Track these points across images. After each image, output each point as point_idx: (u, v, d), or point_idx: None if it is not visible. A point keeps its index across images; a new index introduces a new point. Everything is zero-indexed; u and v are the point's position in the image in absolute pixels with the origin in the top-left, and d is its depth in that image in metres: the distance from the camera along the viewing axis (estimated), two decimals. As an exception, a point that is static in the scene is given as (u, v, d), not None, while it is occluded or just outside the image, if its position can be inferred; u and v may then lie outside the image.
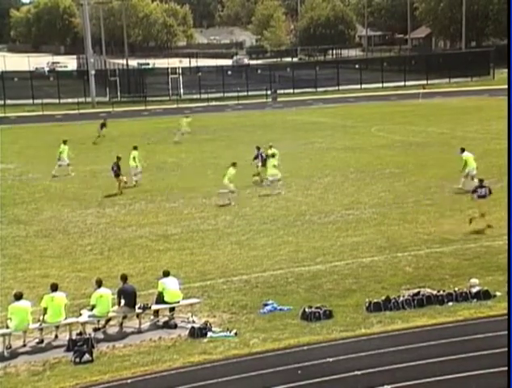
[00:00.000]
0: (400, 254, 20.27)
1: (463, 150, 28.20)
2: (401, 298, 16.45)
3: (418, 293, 16.65)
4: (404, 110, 57.66)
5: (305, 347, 14.42)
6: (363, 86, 79.40)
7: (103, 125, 45.93)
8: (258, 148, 31.98)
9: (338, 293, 17.42)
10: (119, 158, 30.52)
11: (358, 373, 13.21)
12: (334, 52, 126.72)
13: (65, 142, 35.73)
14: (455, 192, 27.18)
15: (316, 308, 16.07)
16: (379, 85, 79.35)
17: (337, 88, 79.40)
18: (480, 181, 23.02)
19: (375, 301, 16.34)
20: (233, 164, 28.09)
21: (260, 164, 31.47)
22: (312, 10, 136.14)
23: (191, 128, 45.34)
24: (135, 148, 32.55)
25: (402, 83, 79.80)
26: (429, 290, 16.83)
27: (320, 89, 78.69)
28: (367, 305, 16.29)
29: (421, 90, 69.37)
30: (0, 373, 13.73)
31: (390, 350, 14.12)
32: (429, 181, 29.38)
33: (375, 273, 18.75)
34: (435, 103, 62.30)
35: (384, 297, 16.46)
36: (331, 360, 13.78)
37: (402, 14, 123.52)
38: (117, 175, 29.89)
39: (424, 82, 78.80)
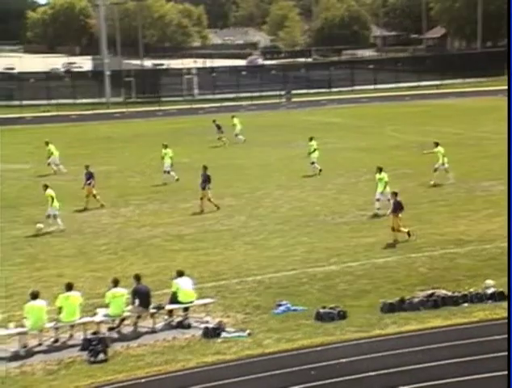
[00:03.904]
0: (414, 254, 20.19)
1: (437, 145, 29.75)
2: (416, 299, 16.39)
3: (433, 294, 16.57)
4: (418, 110, 57.45)
5: (319, 348, 14.39)
6: (378, 86, 79.20)
7: None
8: None
9: (352, 294, 17.38)
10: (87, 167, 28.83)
11: (373, 374, 13.17)
12: (349, 52, 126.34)
13: (47, 143, 35.86)
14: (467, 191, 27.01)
15: (330, 308, 16.04)
16: (394, 85, 79.09)
17: (351, 88, 79.25)
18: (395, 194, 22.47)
19: (390, 301, 16.29)
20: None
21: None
22: (327, 11, 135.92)
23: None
24: (165, 146, 32.54)
25: (417, 83, 79.51)
26: (444, 291, 16.75)
27: (334, 89, 78.57)
28: (381, 305, 16.23)
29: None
30: (16, 371, 13.82)
31: (405, 351, 14.06)
32: (443, 182, 29.23)
33: (389, 274, 18.69)
34: (450, 104, 62.02)
35: (398, 298, 16.40)
36: (345, 360, 13.75)
37: (417, 13, 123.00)
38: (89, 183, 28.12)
39: (438, 82, 78.48)
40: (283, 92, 73.58)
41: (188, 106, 68.58)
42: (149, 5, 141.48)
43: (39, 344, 14.97)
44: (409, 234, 21.57)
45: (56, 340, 15.18)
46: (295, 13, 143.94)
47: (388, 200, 24.20)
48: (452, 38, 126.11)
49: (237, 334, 15.22)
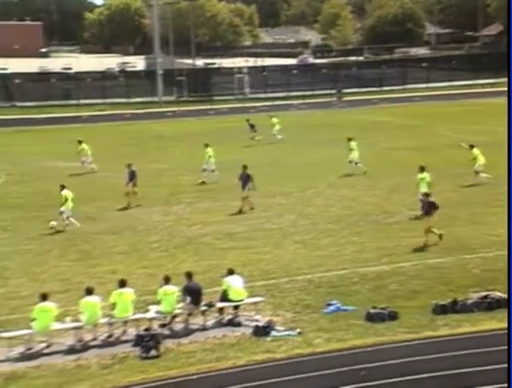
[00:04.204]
0: (468, 255, 19.88)
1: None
2: (469, 301, 16.14)
3: (487, 296, 16.30)
4: (473, 109, 56.44)
5: (369, 349, 14.32)
6: (431, 84, 78.07)
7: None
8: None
9: (404, 295, 17.22)
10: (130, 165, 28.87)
11: (424, 376, 13.03)
12: (401, 50, 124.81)
13: (79, 142, 36.29)
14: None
15: (381, 309, 15.93)
16: (448, 84, 77.85)
17: (403, 87, 78.33)
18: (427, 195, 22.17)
19: (442, 303, 16.09)
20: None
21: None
22: (380, 8, 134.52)
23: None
24: (206, 145, 32.80)
25: (471, 82, 78.08)
26: (498, 293, 16.45)
27: (385, 88, 77.79)
28: (433, 307, 16.05)
29: None
30: (72, 364, 14.16)
31: (457, 354, 13.87)
32: (497, 181, 28.67)
33: (441, 275, 18.45)
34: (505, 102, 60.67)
35: (450, 300, 16.19)
36: (396, 362, 13.64)
37: (473, 10, 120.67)
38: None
39: (493, 80, 76.90)
40: (333, 91, 73.21)
41: (239, 105, 68.85)
42: (202, 4, 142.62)
43: (94, 339, 15.30)
44: (440, 236, 21.19)
45: (110, 335, 15.48)
46: (347, 11, 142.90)
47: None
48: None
49: (286, 333, 15.25)
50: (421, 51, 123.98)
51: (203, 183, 31.64)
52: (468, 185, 28.92)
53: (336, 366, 13.62)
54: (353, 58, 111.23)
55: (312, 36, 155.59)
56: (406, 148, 38.85)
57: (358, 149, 33.24)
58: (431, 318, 15.60)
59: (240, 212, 26.14)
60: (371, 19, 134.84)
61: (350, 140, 33.68)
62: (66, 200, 24.84)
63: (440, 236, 21.20)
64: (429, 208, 21.34)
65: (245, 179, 26.49)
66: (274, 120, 44.74)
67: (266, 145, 42.57)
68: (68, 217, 24.75)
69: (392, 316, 15.74)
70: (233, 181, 31.84)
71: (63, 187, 25.51)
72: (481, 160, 29.63)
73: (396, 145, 40.10)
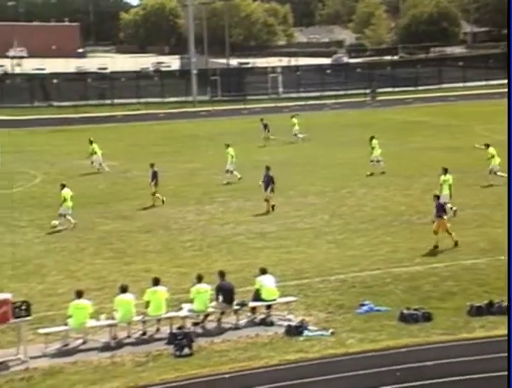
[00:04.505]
0: (503, 257, 19.58)
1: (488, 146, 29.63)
2: (505, 303, 15.91)
3: (523, 298, 16.06)
4: (510, 108, 55.54)
5: (403, 350, 14.21)
6: (467, 84, 77.15)
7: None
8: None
9: (438, 296, 17.06)
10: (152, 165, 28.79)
11: (460, 378, 12.89)
12: (437, 49, 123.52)
13: (90, 142, 36.42)
14: None
15: (415, 310, 15.81)
16: (484, 83, 76.84)
17: (438, 86, 77.55)
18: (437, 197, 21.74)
19: (478, 304, 15.90)
20: None
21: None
22: (415, 7, 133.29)
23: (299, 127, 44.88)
24: (227, 146, 32.86)
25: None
26: (535, 295, 16.20)
27: (420, 87, 77.11)
28: (468, 308, 15.87)
29: None
30: (107, 361, 14.31)
31: (493, 356, 13.68)
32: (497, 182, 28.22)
33: (476, 276, 18.23)
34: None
35: (486, 301, 15.99)
36: (430, 363, 13.52)
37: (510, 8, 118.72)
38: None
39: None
40: (368, 90, 72.81)
41: (273, 104, 68.89)
42: (236, 4, 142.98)
43: (128, 336, 15.43)
44: (456, 243, 20.86)
45: (144, 333, 15.61)
46: (381, 10, 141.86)
47: (445, 203, 23.81)
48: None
49: (319, 332, 15.22)
50: (457, 50, 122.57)
51: (228, 183, 31.67)
52: (505, 185, 28.47)
53: (369, 367, 13.55)
54: (387, 57, 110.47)
55: (347, 36, 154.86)
56: (441, 148, 38.45)
57: (379, 147, 33.13)
58: (466, 320, 15.43)
59: (267, 212, 26.09)
60: (406, 18, 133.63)
61: (372, 138, 33.58)
62: (65, 199, 25.08)
63: (456, 243, 20.83)
64: (439, 210, 21.04)
65: (268, 180, 26.39)
66: (294, 120, 44.85)
67: (299, 145, 42.50)
68: (65, 215, 24.95)
69: (426, 317, 15.61)
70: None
71: (63, 186, 25.75)
72: (497, 159, 29.41)
73: (430, 145, 39.72)
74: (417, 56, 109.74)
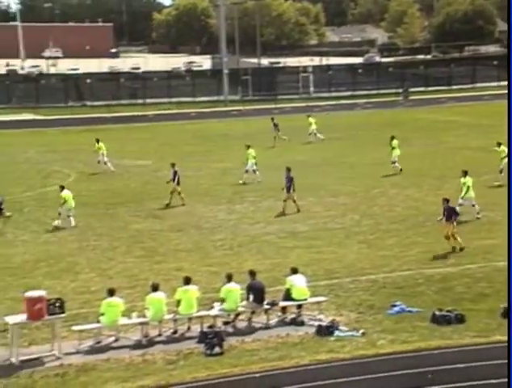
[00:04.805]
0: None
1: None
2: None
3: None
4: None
5: (435, 352, 14.10)
6: (501, 83, 76.02)
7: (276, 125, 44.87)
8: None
9: (470, 297, 16.88)
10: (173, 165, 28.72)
11: (493, 381, 12.73)
12: (471, 48, 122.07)
13: (97, 141, 36.56)
14: None
15: (447, 311, 15.67)
16: (519, 82, 75.66)
17: (472, 86, 76.67)
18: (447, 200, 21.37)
19: (511, 307, 15.68)
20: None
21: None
22: (449, 5, 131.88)
23: (318, 127, 44.88)
24: (249, 147, 32.89)
25: (544, 80, 75.69)
26: None
27: (454, 87, 76.30)
28: (501, 310, 15.66)
29: None
30: (139, 359, 14.44)
31: (526, 359, 13.50)
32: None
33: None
34: None
35: (520, 304, 15.77)
36: (463, 366, 13.39)
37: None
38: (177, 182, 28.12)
39: None
40: (400, 90, 72.29)
41: (304, 104, 68.75)
42: (268, 4, 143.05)
43: (159, 335, 15.54)
44: (461, 249, 20.56)
45: (175, 332, 15.71)
46: (414, 9, 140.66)
47: (473, 205, 23.78)
48: None
49: (350, 333, 15.17)
50: (492, 49, 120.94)
51: (258, 182, 31.70)
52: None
53: (400, 368, 13.47)
54: (420, 56, 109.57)
55: (379, 35, 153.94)
56: (475, 148, 38.04)
57: (399, 147, 32.92)
58: (500, 322, 15.24)
59: (298, 211, 26.02)
60: (440, 17, 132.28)
61: (392, 138, 33.35)
62: (66, 201, 25.32)
63: (458, 247, 20.57)
64: (449, 213, 20.75)
65: (289, 181, 26.30)
66: (311, 119, 44.83)
67: (329, 144, 42.39)
68: (69, 216, 25.26)
69: (459, 319, 15.45)
70: (296, 180, 31.81)
71: (62, 187, 25.96)
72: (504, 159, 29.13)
73: (464, 145, 39.31)
74: (451, 55, 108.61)
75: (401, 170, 32.56)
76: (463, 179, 24.22)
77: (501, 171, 29.20)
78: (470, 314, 15.71)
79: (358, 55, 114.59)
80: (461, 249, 20.59)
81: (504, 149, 29.46)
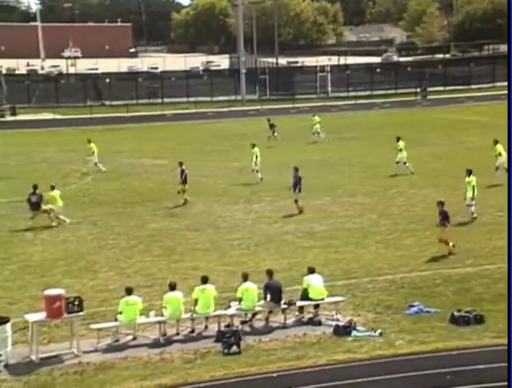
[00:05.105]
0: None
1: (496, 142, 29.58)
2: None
3: None
4: None
5: (454, 352, 14.02)
6: (522, 82, 75.45)
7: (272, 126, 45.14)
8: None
9: (490, 298, 16.76)
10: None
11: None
12: (491, 47, 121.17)
13: (89, 141, 36.59)
14: None
15: (466, 312, 15.57)
16: (540, 81, 75.00)
17: (492, 85, 76.07)
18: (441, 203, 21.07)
19: (530, 308, 15.56)
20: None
21: None
22: (469, 4, 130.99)
23: (322, 126, 44.73)
24: (254, 145, 32.89)
25: None
26: None
27: (473, 86, 75.77)
28: (520, 311, 15.55)
29: None
30: (157, 357, 14.50)
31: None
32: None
33: (530, 279, 17.84)
34: None
35: (539, 305, 15.64)
36: (483, 367, 13.30)
37: None
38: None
39: None
40: (418, 89, 71.93)
41: (321, 103, 68.63)
42: (286, 3, 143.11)
43: (177, 333, 15.59)
44: (453, 246, 20.37)
45: (193, 331, 15.75)
46: (433, 8, 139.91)
47: (475, 205, 23.58)
48: None
49: (367, 333, 15.13)
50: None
51: (243, 183, 31.73)
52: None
53: (419, 369, 13.42)
54: (439, 56, 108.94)
55: (397, 34, 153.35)
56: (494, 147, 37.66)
57: (405, 149, 32.78)
58: (519, 323, 15.12)
59: (300, 212, 25.90)
60: (459, 16, 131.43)
61: (398, 139, 33.14)
62: (55, 200, 25.46)
63: (453, 246, 20.40)
64: (443, 217, 20.54)
65: (297, 181, 26.23)
66: (316, 118, 44.74)
67: (346, 144, 42.30)
68: (59, 215, 25.44)
69: (478, 320, 15.36)
70: (313, 180, 31.84)
71: (53, 187, 26.05)
72: (504, 157, 29.14)
73: (483, 145, 38.95)
74: (470, 54, 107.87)
75: (408, 170, 32.45)
76: (467, 179, 24.04)
77: (496, 169, 29.27)
78: (489, 314, 15.60)
79: (377, 54, 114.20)
80: (453, 246, 20.40)
81: (499, 147, 29.59)
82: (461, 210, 25.16)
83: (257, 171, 32.19)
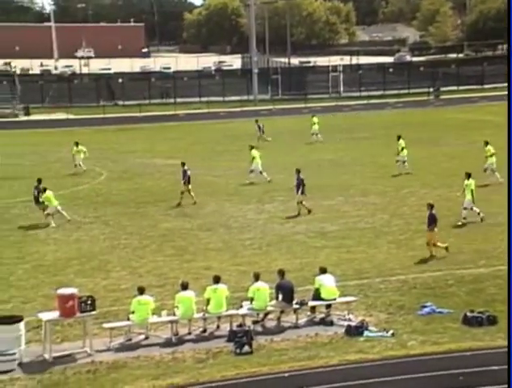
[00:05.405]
0: None
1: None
2: None
3: None
4: None
5: (467, 353, 13.97)
6: (536, 81, 75.02)
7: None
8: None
9: (503, 299, 16.64)
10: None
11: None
12: (505, 46, 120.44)
13: (76, 144, 36.57)
14: None
15: (479, 313, 15.52)
16: (553, 80, 74.53)
17: (506, 84, 75.56)
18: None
19: (544, 309, 15.47)
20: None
21: None
22: (482, 3, 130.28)
23: (322, 128, 44.67)
24: (252, 147, 32.94)
25: None
26: None
27: (487, 86, 75.37)
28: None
29: None
30: (169, 357, 14.54)
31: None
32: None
33: (543, 280, 17.73)
34: None
35: (553, 306, 15.54)
36: (496, 368, 13.23)
37: None
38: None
39: None
40: (431, 89, 71.65)
41: (334, 103, 68.53)
42: (298, 3, 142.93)
43: (189, 333, 15.62)
44: (446, 249, 20.29)
45: (205, 330, 15.77)
46: (447, 7, 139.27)
47: (470, 208, 23.62)
48: None
49: (380, 333, 15.10)
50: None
51: (251, 183, 31.71)
52: None
53: (431, 370, 13.37)
54: (452, 55, 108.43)
55: (410, 33, 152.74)
56: (507, 147, 37.48)
57: (407, 147, 32.74)
58: (533, 324, 15.04)
59: (298, 214, 25.81)
60: (473, 15, 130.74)
61: (399, 138, 33.19)
62: (50, 200, 25.52)
63: (446, 248, 20.36)
64: (431, 220, 20.41)
65: (299, 183, 26.16)
66: (315, 119, 44.77)
67: (359, 144, 42.21)
68: (58, 211, 25.58)
69: (491, 321, 15.29)
70: (325, 180, 31.86)
71: (45, 189, 26.05)
72: (493, 158, 29.47)
73: (496, 145, 38.77)
74: (484, 53, 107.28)
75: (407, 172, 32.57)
76: (466, 181, 23.97)
77: (485, 170, 29.33)
78: (502, 315, 15.50)
79: (389, 54, 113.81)
80: (431, 256, 20.25)
81: (490, 148, 29.73)
82: (470, 211, 25.08)
83: (251, 171, 32.22)
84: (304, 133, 46.50)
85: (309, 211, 25.96)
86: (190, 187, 28.45)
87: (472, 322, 15.26)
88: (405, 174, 32.41)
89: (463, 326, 15.24)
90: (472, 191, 23.75)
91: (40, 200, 26.02)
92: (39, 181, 26.63)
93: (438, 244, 20.42)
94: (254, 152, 32.71)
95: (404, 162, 32.76)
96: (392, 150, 38.88)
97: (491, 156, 29.73)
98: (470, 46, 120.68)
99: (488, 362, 13.50)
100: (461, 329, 15.14)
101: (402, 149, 32.98)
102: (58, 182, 33.95)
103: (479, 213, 23.74)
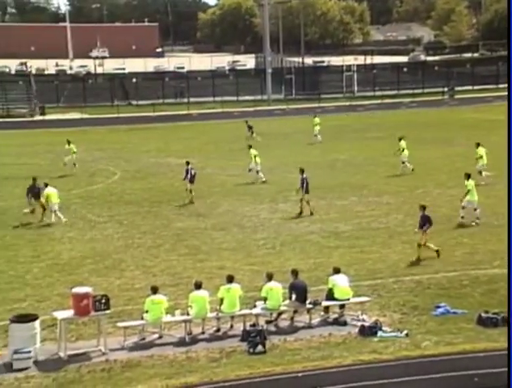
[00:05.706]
0: None
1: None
2: None
3: None
4: None
5: (482, 354, 13.91)
6: (551, 81, 74.47)
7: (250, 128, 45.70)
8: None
9: (518, 300, 16.58)
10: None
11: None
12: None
13: (68, 142, 36.78)
14: None
15: (494, 314, 15.43)
16: None
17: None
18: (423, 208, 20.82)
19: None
20: None
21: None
22: (498, 2, 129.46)
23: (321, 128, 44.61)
24: (250, 147, 33.08)
25: None
26: None
27: (502, 85, 74.81)
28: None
29: None
30: (183, 356, 14.58)
31: None
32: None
33: (559, 281, 17.61)
34: None
35: None
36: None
37: None
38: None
39: None
40: (445, 89, 71.33)
41: (347, 103, 68.39)
42: (312, 2, 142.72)
43: (203, 332, 15.66)
44: (437, 252, 20.09)
45: (218, 330, 15.81)
46: (462, 6, 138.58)
47: (475, 209, 23.55)
48: None
49: (393, 334, 15.07)
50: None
51: (264, 183, 31.73)
52: None
53: (445, 370, 13.33)
54: (467, 55, 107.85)
55: (425, 33, 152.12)
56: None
57: (408, 148, 32.90)
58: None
59: (300, 214, 25.79)
60: (488, 14, 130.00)
61: (400, 139, 33.18)
62: (49, 198, 25.59)
63: (437, 252, 20.17)
64: (423, 221, 20.29)
65: (303, 182, 26.07)
66: (317, 119, 44.77)
67: (373, 144, 42.08)
68: (55, 211, 25.64)
69: (506, 321, 15.19)
70: (338, 180, 31.81)
71: (46, 185, 26.20)
72: (484, 160, 29.66)
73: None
74: (499, 53, 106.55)
75: (413, 169, 32.71)
76: (466, 182, 24.01)
77: (479, 172, 29.33)
78: (517, 316, 15.43)
79: (404, 54, 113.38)
80: (437, 253, 20.12)
81: (480, 149, 29.97)
82: (491, 210, 24.97)
83: (249, 170, 32.40)
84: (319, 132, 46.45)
85: (312, 213, 25.88)
86: (193, 186, 28.57)
87: (487, 323, 15.19)
88: (409, 174, 32.32)
89: (478, 327, 15.17)
90: (468, 191, 23.73)
91: (41, 197, 26.07)
92: (35, 179, 26.71)
93: (428, 245, 20.27)
94: (253, 151, 32.77)
95: (403, 162, 32.74)
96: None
97: (481, 158, 29.91)
98: (485, 45, 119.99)
99: (503, 363, 13.40)
100: (476, 330, 15.07)
101: (403, 150, 32.95)
102: (72, 181, 34.19)
103: (478, 218, 23.62)
